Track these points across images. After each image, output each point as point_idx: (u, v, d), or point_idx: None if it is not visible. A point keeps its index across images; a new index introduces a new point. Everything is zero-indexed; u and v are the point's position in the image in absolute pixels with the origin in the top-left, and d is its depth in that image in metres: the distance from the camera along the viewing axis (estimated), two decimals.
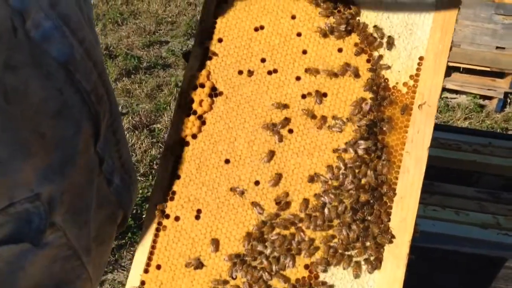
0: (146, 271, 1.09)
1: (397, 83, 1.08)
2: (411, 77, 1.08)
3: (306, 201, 1.07)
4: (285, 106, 1.10)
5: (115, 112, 1.12)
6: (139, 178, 3.74)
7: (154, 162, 3.81)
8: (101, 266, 1.23)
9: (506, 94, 5.12)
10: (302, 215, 1.06)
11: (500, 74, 5.06)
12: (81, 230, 1.07)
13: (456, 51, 5.65)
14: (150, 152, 4.05)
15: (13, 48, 0.84)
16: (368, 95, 1.08)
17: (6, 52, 0.83)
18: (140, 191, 3.64)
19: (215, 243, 1.07)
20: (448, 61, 1.08)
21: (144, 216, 3.32)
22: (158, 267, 1.09)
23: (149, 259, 1.10)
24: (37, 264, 0.98)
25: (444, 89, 6.00)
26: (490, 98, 5.62)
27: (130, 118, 4.49)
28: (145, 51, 5.78)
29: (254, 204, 1.07)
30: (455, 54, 5.76)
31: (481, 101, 5.87)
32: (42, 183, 0.94)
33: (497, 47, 4.83)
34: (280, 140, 1.09)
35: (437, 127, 2.90)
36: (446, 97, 6.07)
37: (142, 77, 5.23)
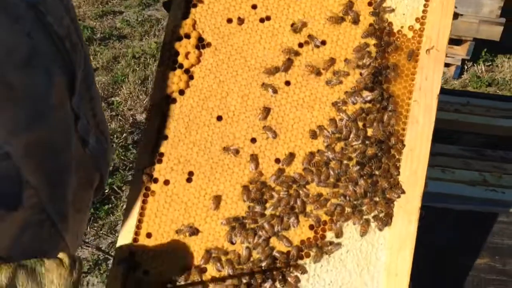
0: (135, 240, 1.00)
1: (402, 27, 1.01)
2: (417, 20, 1.01)
3: (309, 155, 0.99)
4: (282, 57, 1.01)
5: (88, 65, 1.03)
6: None
7: (115, 136, 3.67)
8: (78, 236, 1.13)
9: (463, 61, 5.18)
10: (305, 171, 0.98)
11: (457, 41, 5.09)
12: (56, 192, 0.97)
13: None
14: (110, 125, 3.91)
15: None
16: (371, 41, 1.00)
17: None
18: None
19: (217, 200, 0.98)
20: None
21: (106, 191, 3.20)
22: (149, 235, 1.00)
23: (138, 227, 1.01)
24: (7, 231, 0.89)
25: None
26: (448, 65, 5.68)
27: None
28: (98, 21, 5.56)
29: (253, 158, 0.99)
30: None
31: None
32: (11, 139, 0.85)
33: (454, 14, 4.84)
34: (275, 91, 1.00)
35: None
36: None
37: (96, 48, 5.03)
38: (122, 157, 3.47)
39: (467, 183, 1.78)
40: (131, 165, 3.36)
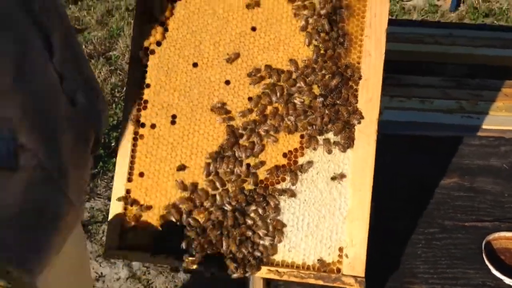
0: (129, 179, 1.20)
1: None
2: None
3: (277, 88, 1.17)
4: (248, 6, 1.18)
5: (67, 27, 1.14)
6: None
7: (116, 90, 3.86)
8: (81, 190, 1.27)
9: None
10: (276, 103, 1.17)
11: None
12: (52, 149, 1.10)
13: None
14: (110, 80, 4.09)
15: None
16: None
17: None
18: None
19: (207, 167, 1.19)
20: None
21: (113, 144, 3.41)
22: (141, 174, 1.20)
23: (131, 168, 1.21)
24: (12, 189, 1.02)
25: None
26: None
27: (83, 47, 4.46)
28: None
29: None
30: None
31: (435, 1, 6.01)
32: (5, 102, 0.96)
33: None
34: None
35: (399, 22, 3.02)
36: (402, 0, 6.18)
37: (89, 3, 5.16)
38: (123, 117, 3.66)
39: (445, 111, 1.95)
40: None
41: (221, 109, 1.18)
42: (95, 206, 3.34)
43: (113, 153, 3.49)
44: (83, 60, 1.21)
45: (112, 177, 3.45)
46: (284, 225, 1.16)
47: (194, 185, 1.18)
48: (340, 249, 1.16)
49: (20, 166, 1.00)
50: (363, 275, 1.15)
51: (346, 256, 1.16)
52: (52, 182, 1.10)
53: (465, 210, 1.50)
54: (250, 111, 1.18)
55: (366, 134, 1.17)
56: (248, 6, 1.18)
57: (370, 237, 1.16)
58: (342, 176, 1.17)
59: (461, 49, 2.41)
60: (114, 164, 3.43)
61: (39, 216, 1.08)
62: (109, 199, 3.30)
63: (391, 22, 2.81)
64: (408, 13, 5.96)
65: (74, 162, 1.18)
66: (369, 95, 1.17)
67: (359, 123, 1.17)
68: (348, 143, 1.17)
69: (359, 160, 1.17)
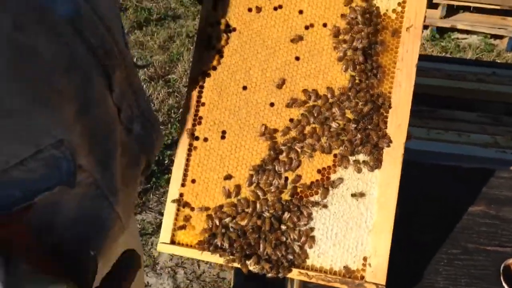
0: (183, 185, 1.38)
1: (387, 10, 1.33)
2: (399, 4, 1.33)
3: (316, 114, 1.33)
4: (293, 40, 1.35)
5: (129, 66, 1.27)
6: None
7: (172, 111, 4.11)
8: (129, 206, 1.42)
9: None
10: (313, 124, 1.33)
11: (510, 12, 5.22)
12: (106, 172, 1.25)
13: None
14: (167, 101, 4.36)
15: (20, 10, 0.96)
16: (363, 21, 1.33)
17: (14, 14, 0.95)
18: None
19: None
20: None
21: (166, 161, 3.63)
22: (193, 181, 1.37)
23: (185, 175, 1.38)
24: (71, 202, 1.18)
25: (454, 30, 6.20)
26: (501, 37, 5.79)
27: (145, 69, 4.77)
28: (155, 2, 6.04)
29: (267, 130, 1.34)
30: None
31: (492, 41, 6.05)
32: (64, 130, 1.09)
33: None
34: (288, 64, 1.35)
35: (443, 59, 3.14)
36: (457, 38, 6.27)
37: (153, 29, 5.51)
38: (179, 130, 3.91)
39: (480, 145, 2.07)
40: None
41: (265, 128, 1.35)
42: (146, 218, 3.57)
43: (166, 170, 3.72)
44: (141, 94, 1.35)
45: (164, 193, 3.70)
46: (314, 234, 1.31)
47: (238, 193, 1.35)
48: (364, 259, 1.30)
49: (77, 182, 1.13)
50: (384, 283, 1.29)
51: (370, 265, 1.29)
52: (104, 199, 1.25)
53: (488, 236, 1.61)
54: (290, 130, 1.34)
55: (393, 157, 1.31)
56: (292, 40, 1.35)
57: (396, 248, 1.30)
58: (369, 193, 1.31)
59: (502, 87, 2.51)
60: (166, 181, 3.68)
61: (91, 225, 1.25)
62: (160, 213, 3.52)
63: (434, 59, 2.96)
64: (463, 50, 6.03)
65: (125, 182, 1.33)
66: (398, 122, 1.31)
67: (388, 146, 1.31)
68: (377, 164, 1.31)
69: (386, 180, 1.31)
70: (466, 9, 6.01)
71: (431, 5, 5.99)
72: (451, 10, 6.10)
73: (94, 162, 1.21)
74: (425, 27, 6.22)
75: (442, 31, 6.30)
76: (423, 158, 1.92)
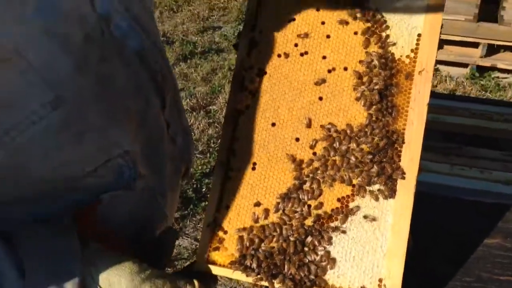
0: (217, 210, 1.55)
1: (401, 56, 1.49)
2: (411, 50, 1.48)
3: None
4: (317, 82, 1.52)
5: (176, 89, 1.57)
6: (198, 155, 4.28)
7: (212, 141, 4.30)
8: (173, 208, 1.72)
9: None
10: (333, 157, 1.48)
11: None
12: (158, 176, 1.51)
13: (505, 30, 5.88)
14: (207, 131, 4.57)
15: (104, 46, 1.23)
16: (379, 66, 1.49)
17: (100, 49, 1.22)
18: (200, 167, 4.15)
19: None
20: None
21: (203, 189, 3.82)
22: (227, 207, 1.54)
23: (219, 201, 1.55)
24: (129, 203, 1.42)
25: (495, 69, 6.24)
26: None
27: (188, 100, 5.02)
28: (200, 36, 6.34)
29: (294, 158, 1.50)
30: (505, 33, 6.00)
31: None
32: (129, 143, 1.36)
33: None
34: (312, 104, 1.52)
35: (471, 100, 3.25)
36: (497, 77, 6.30)
37: (197, 61, 5.77)
38: (216, 161, 4.13)
39: (502, 182, 2.17)
40: None
41: (292, 161, 1.51)
42: (182, 244, 3.73)
43: (203, 197, 3.88)
44: (183, 113, 1.63)
45: (200, 220, 3.88)
46: (334, 256, 1.45)
47: (266, 218, 1.51)
48: (380, 280, 1.43)
49: (135, 187, 1.40)
50: None
51: (385, 286, 1.42)
52: (156, 201, 1.51)
53: (502, 266, 1.71)
54: (313, 161, 1.50)
55: (407, 188, 1.45)
56: (316, 83, 1.52)
57: (410, 274, 1.42)
58: (384, 220, 1.45)
59: None
60: (202, 208, 3.83)
61: (145, 223, 1.49)
62: (195, 239, 3.67)
63: (460, 98, 3.07)
64: (503, 89, 6.07)
65: (171, 187, 1.60)
66: (410, 156, 1.46)
67: (403, 178, 1.45)
68: (391, 194, 1.45)
69: (399, 209, 1.45)
70: (507, 48, 6.07)
71: (472, 44, 6.06)
72: (492, 50, 6.16)
73: (149, 168, 1.46)
74: (465, 65, 6.29)
75: (482, 70, 6.36)
76: (446, 192, 2.04)
